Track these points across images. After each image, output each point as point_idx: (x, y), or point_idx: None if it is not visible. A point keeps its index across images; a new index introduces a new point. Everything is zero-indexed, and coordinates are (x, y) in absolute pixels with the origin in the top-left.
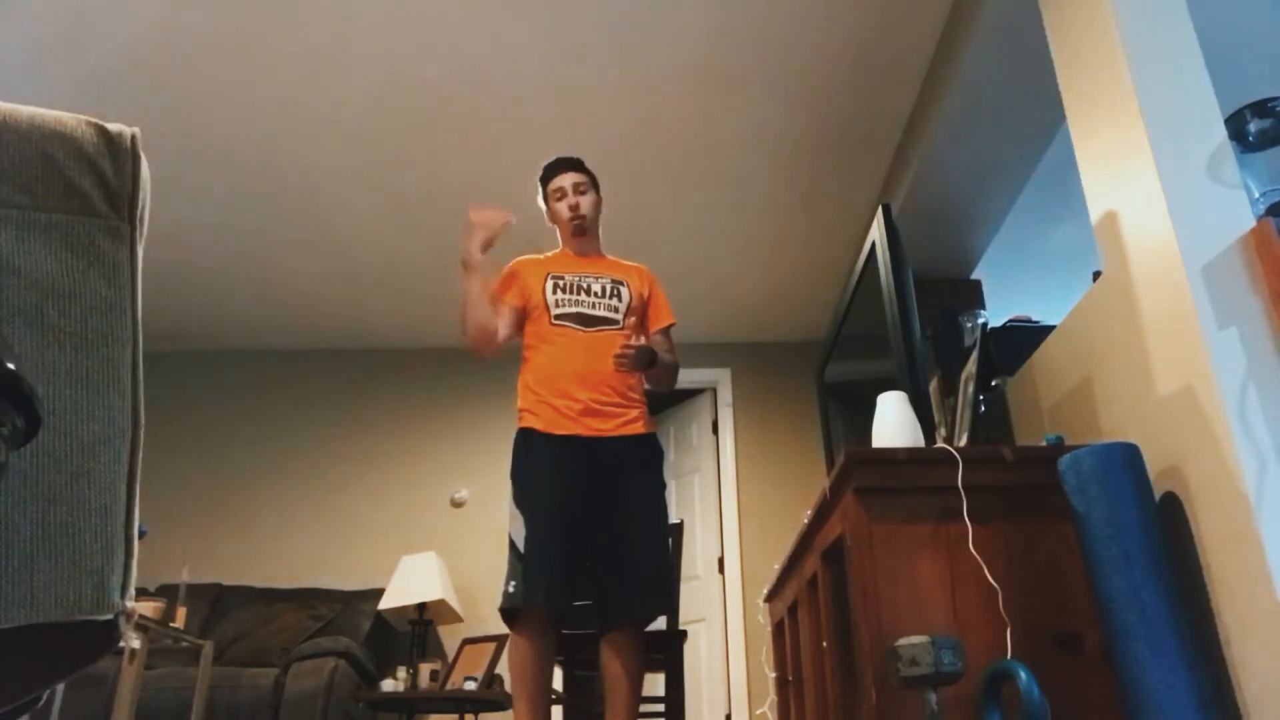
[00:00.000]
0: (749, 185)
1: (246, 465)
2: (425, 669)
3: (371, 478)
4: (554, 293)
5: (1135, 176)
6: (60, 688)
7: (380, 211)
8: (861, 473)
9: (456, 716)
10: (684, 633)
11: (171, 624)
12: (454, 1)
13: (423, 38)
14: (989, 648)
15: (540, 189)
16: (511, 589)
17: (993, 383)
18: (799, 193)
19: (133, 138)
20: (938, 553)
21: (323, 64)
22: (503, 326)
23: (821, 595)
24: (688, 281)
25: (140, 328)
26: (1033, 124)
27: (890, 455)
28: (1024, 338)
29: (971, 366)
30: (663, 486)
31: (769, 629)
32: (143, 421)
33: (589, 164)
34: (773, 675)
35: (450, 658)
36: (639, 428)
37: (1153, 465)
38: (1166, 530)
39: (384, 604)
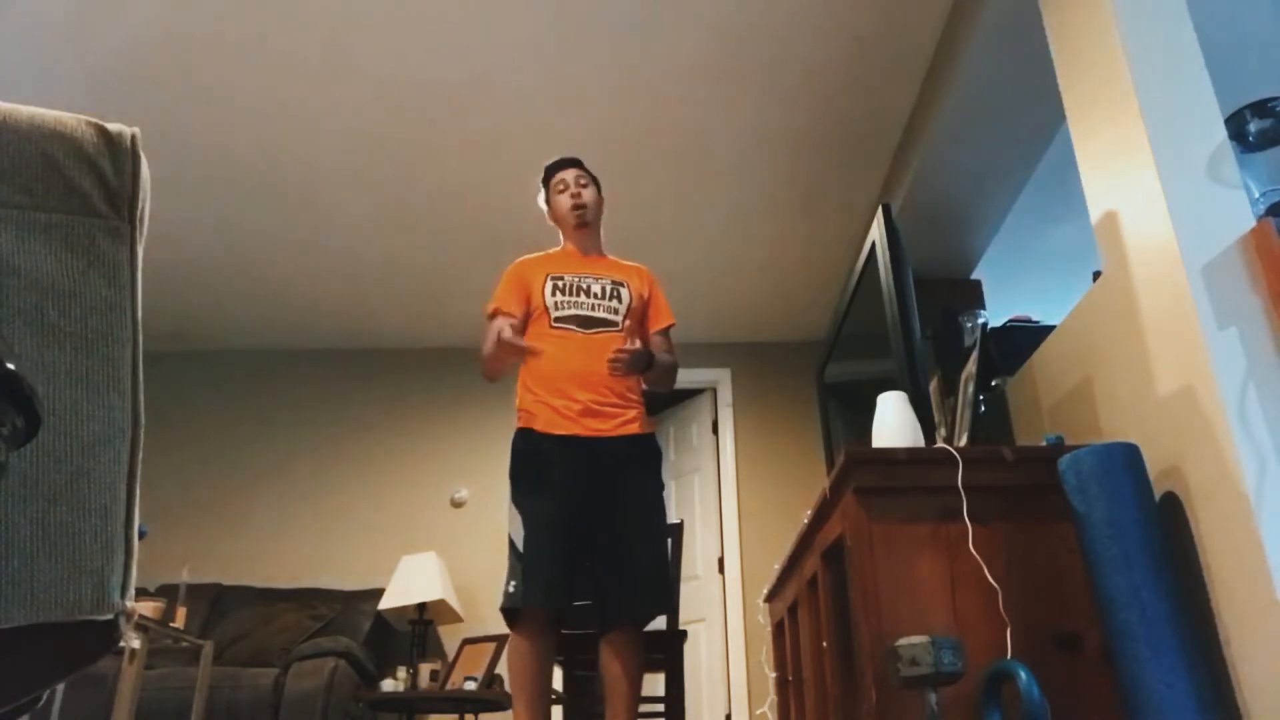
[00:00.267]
0: (749, 185)
1: (246, 465)
2: (425, 669)
3: (371, 478)
4: (554, 294)
5: (1135, 176)
6: (60, 688)
7: (380, 211)
8: (861, 473)
9: (456, 716)
10: (684, 633)
11: (171, 624)
12: (454, 2)
13: (423, 38)
14: (989, 648)
15: (542, 189)
16: (512, 589)
17: (993, 383)
18: (799, 193)
19: (133, 138)
20: (938, 553)
21: (322, 64)
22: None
23: (821, 595)
24: (688, 281)
25: (140, 328)
26: (1033, 124)
27: (890, 455)
28: (1024, 338)
29: (971, 366)
30: (661, 486)
31: (769, 629)
32: (143, 421)
33: (589, 164)
34: (773, 675)
35: (450, 658)
36: (637, 428)
37: (1153, 465)
38: (1166, 530)
39: (384, 604)
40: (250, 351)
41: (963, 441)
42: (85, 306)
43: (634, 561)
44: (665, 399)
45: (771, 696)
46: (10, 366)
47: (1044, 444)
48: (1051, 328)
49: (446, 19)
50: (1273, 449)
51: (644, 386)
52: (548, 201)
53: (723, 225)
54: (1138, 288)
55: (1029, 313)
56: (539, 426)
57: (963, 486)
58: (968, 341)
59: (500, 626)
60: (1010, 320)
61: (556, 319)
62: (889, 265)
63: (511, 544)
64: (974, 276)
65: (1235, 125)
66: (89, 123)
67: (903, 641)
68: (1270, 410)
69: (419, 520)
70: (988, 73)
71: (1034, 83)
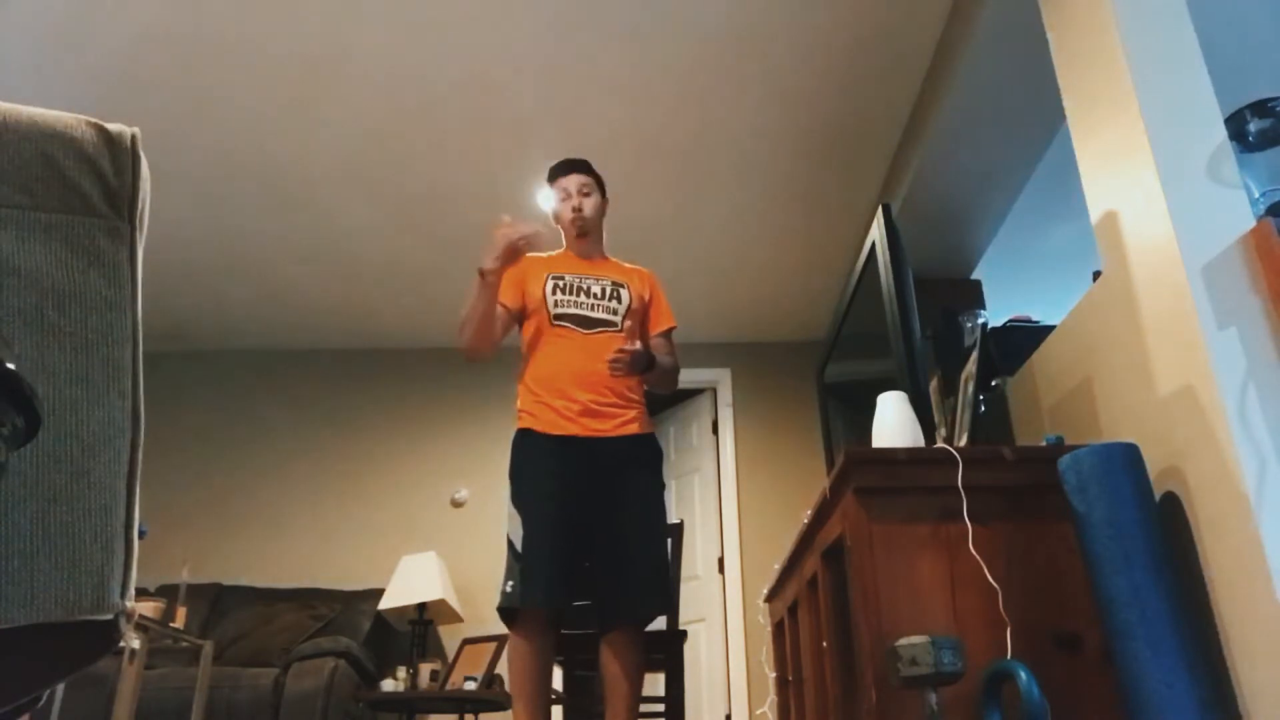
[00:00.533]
0: (749, 185)
1: (246, 465)
2: (425, 669)
3: (371, 478)
4: (554, 293)
5: (1135, 176)
6: (60, 688)
7: (380, 211)
8: (861, 473)
9: (456, 716)
10: (684, 633)
11: (171, 624)
12: (455, 2)
13: (423, 38)
14: (989, 648)
15: (550, 189)
16: (509, 589)
17: (993, 383)
18: (799, 193)
19: (133, 138)
20: (938, 553)
21: (322, 64)
22: (498, 329)
23: (821, 595)
24: (688, 281)
25: (140, 328)
26: (1033, 124)
27: (890, 455)
28: (1024, 338)
29: (971, 366)
30: (661, 486)
31: (769, 629)
32: (143, 421)
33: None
34: (773, 675)
35: (450, 658)
36: (637, 428)
37: (1153, 465)
38: (1166, 530)
39: (384, 604)
40: (250, 351)
41: (963, 441)
42: (85, 306)
43: (633, 561)
44: (665, 399)
45: (771, 696)
46: (10, 366)
47: (1044, 444)
48: (1051, 328)
49: (447, 20)
50: (1273, 449)
51: (644, 387)
52: (553, 204)
53: (723, 225)
54: (1138, 288)
55: (1029, 313)
56: (539, 427)
57: (963, 486)
58: (968, 341)
59: (501, 626)
60: (1010, 320)
61: (556, 317)
62: (889, 265)
63: (510, 544)
64: (974, 276)
65: (1235, 125)
66: (89, 123)
67: (903, 641)
68: (1270, 410)
69: (419, 520)
70: (988, 73)
71: (1034, 83)
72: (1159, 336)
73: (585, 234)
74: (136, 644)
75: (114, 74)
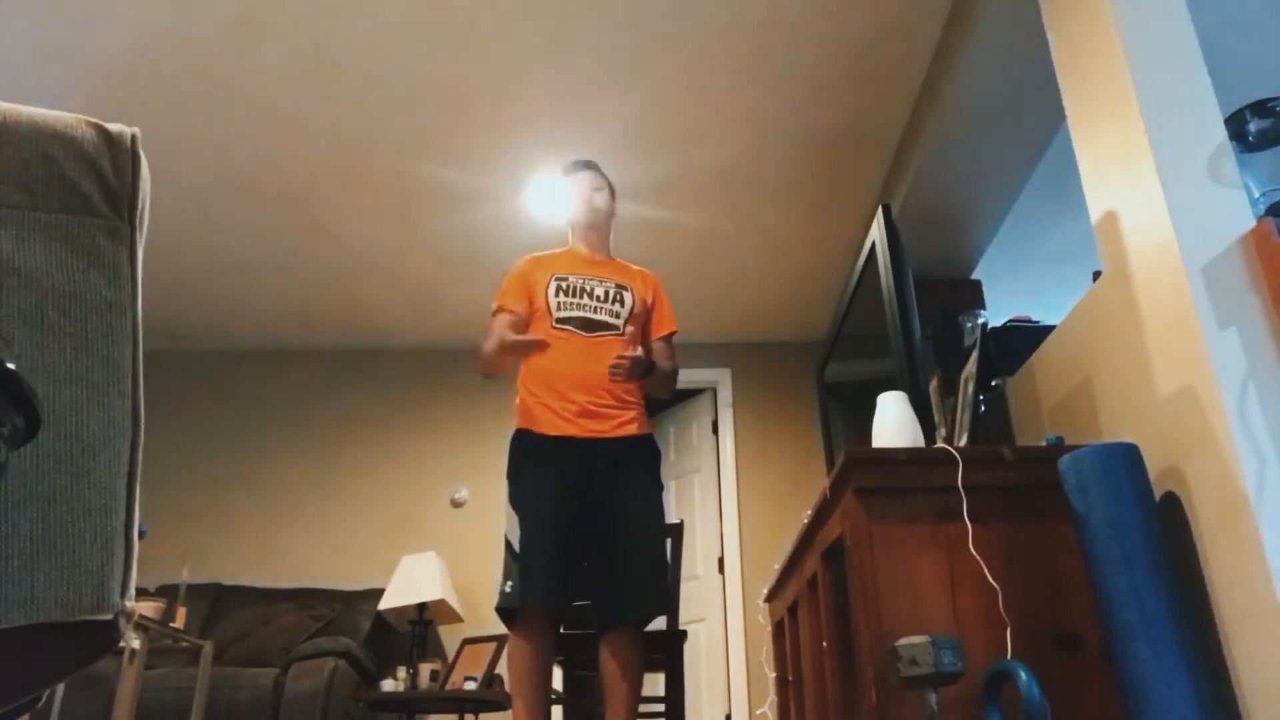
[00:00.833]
0: (749, 185)
1: (247, 465)
2: (425, 669)
3: (371, 478)
4: (557, 295)
5: (1135, 176)
6: (60, 688)
7: (379, 211)
8: (861, 473)
9: (456, 716)
10: (684, 633)
11: (171, 624)
12: (455, 2)
13: (423, 38)
14: (989, 648)
15: (565, 186)
16: (507, 589)
17: (993, 383)
18: (799, 192)
19: (133, 138)
20: (938, 553)
21: (322, 64)
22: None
23: (821, 595)
24: (688, 282)
25: (140, 328)
26: (1033, 124)
27: (890, 455)
28: (1024, 338)
29: (971, 366)
30: (660, 487)
31: (769, 629)
32: (143, 421)
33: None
34: (773, 675)
35: (450, 658)
36: (635, 429)
37: (1153, 465)
38: (1166, 530)
39: (384, 604)
40: (250, 351)
41: (963, 441)
42: (85, 306)
43: (631, 562)
44: (665, 399)
45: (771, 696)
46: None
47: (1044, 444)
48: (1051, 328)
49: (447, 20)
50: (1273, 449)
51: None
52: (563, 201)
53: (723, 225)
54: (1138, 288)
55: (1029, 313)
56: (537, 428)
57: (963, 486)
58: (968, 341)
59: (501, 627)
60: (1010, 320)
61: (558, 320)
62: (889, 265)
63: (508, 544)
64: (974, 276)
65: (1235, 125)
66: (89, 123)
67: (903, 641)
68: (1270, 410)
69: (419, 520)
70: (988, 73)
71: (1034, 83)
72: (1159, 336)
73: (594, 228)
74: (136, 644)
75: (114, 74)
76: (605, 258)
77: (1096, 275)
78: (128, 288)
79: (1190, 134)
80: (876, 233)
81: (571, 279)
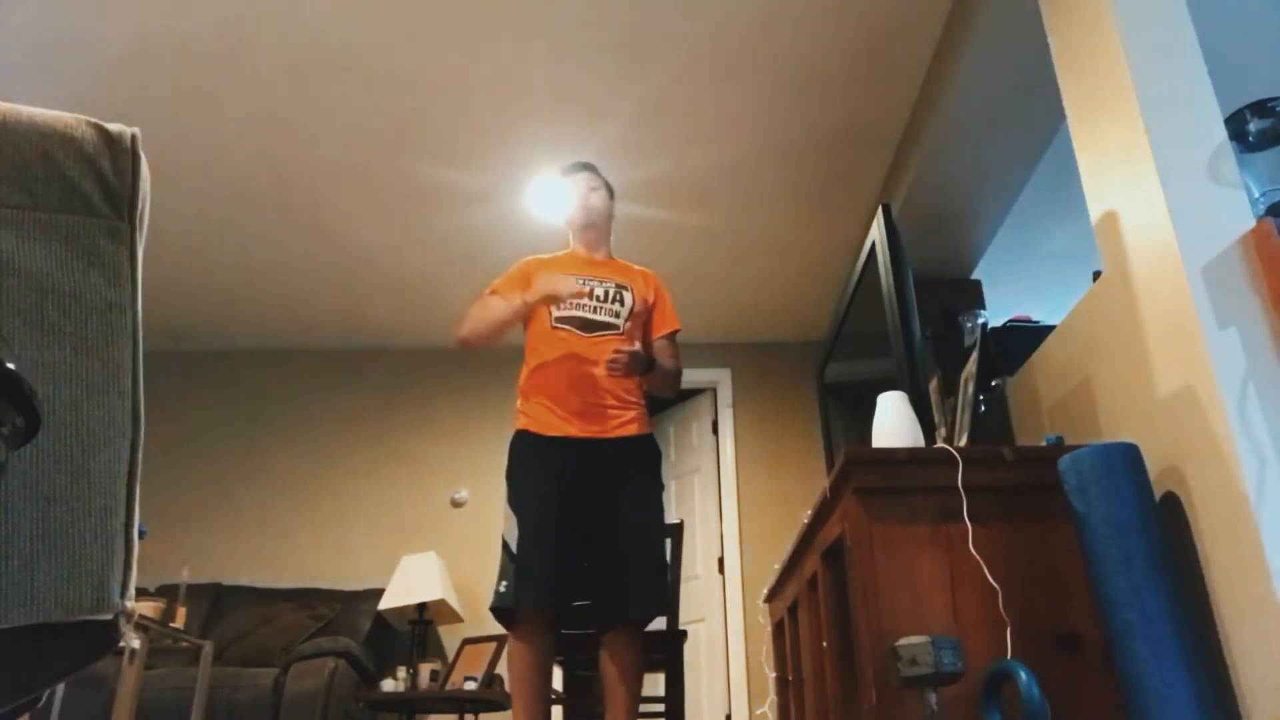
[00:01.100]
0: (749, 185)
1: (246, 465)
2: (425, 669)
3: (371, 478)
4: None
5: (1135, 176)
6: (60, 688)
7: (379, 211)
8: (861, 473)
9: (456, 716)
10: (684, 633)
11: (171, 624)
12: (455, 2)
13: (423, 38)
14: (989, 648)
15: (564, 188)
16: (503, 588)
17: (993, 383)
18: (799, 193)
19: (133, 138)
20: (938, 553)
21: (322, 64)
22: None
23: (821, 595)
24: (688, 282)
25: (140, 328)
26: (1033, 124)
27: (890, 455)
28: (1024, 338)
29: (971, 366)
30: (659, 487)
31: (769, 629)
32: (143, 421)
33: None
34: (773, 675)
35: (450, 658)
36: (635, 429)
37: (1153, 465)
38: (1166, 530)
39: (384, 604)
40: (249, 351)
41: (963, 441)
42: (85, 306)
43: (631, 562)
44: (666, 399)
45: (771, 696)
46: (10, 366)
47: (1044, 444)
48: (1051, 328)
49: (447, 19)
50: (1273, 449)
51: (645, 388)
52: (562, 203)
53: (723, 225)
54: (1138, 288)
55: (1029, 313)
56: (536, 428)
57: (963, 486)
58: (968, 341)
59: (500, 627)
60: (1010, 320)
61: (557, 320)
62: (889, 265)
63: (505, 544)
64: (974, 276)
65: (1235, 125)
66: (89, 123)
67: (903, 641)
68: (1270, 410)
69: (419, 520)
70: (988, 73)
71: (1034, 83)
72: (1159, 336)
73: (593, 227)
74: (136, 644)
75: (114, 74)
76: (605, 258)
77: (1096, 275)
78: (128, 288)
79: (1190, 134)
80: (876, 233)
81: (572, 279)
